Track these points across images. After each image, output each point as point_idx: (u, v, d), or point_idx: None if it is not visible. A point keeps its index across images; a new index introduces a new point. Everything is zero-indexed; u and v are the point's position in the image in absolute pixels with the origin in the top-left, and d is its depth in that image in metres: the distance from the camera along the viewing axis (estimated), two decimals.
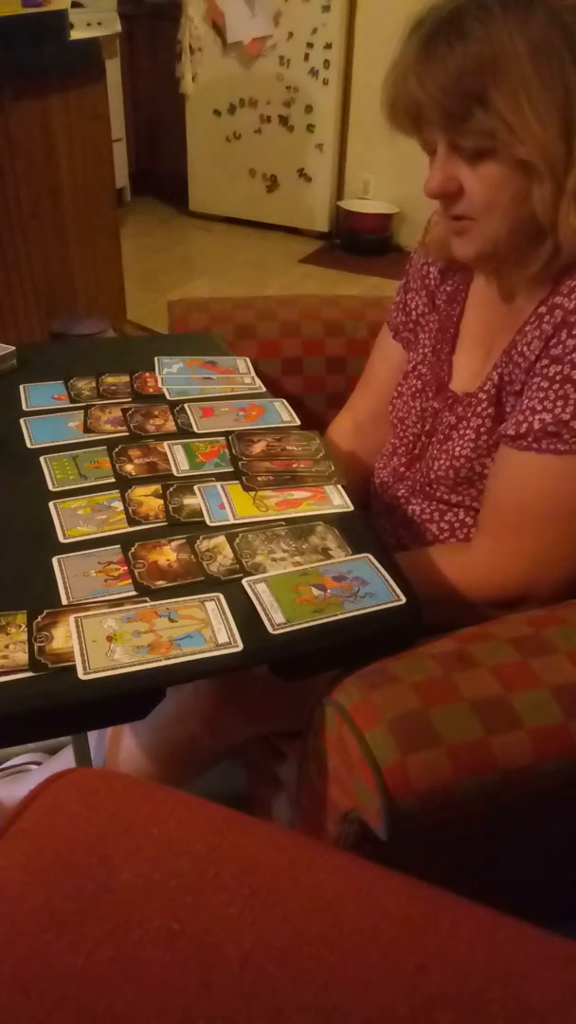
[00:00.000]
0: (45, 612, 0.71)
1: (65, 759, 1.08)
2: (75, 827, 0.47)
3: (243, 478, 0.88)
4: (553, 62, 0.73)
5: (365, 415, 1.16)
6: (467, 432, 0.91)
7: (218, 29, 3.70)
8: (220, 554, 0.78)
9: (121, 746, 0.93)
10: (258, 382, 1.12)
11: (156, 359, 1.16)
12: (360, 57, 3.59)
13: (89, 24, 3.37)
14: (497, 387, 0.88)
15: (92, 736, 0.99)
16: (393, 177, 3.68)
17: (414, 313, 1.08)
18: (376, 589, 0.73)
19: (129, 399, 1.07)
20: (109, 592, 0.73)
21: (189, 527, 0.82)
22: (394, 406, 1.07)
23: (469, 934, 0.41)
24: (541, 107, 0.74)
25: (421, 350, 1.04)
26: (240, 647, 0.67)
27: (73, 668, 0.65)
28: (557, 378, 0.79)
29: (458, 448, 0.92)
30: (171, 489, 0.87)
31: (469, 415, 0.91)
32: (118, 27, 3.66)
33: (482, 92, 0.74)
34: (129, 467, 0.92)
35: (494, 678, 0.65)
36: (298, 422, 1.00)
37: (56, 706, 0.64)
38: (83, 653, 0.66)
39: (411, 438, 1.02)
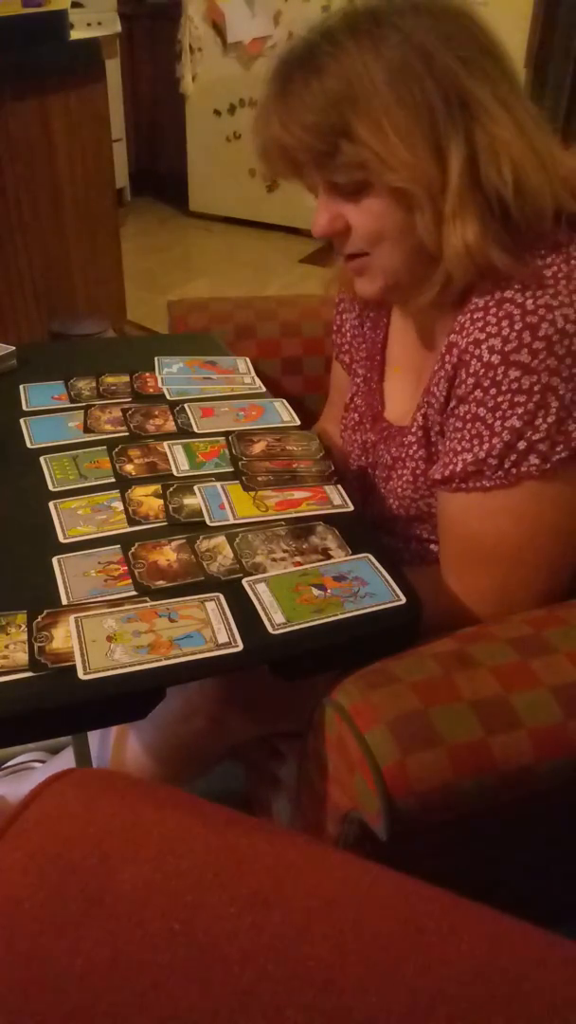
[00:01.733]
0: (45, 612, 0.71)
1: (68, 758, 1.08)
2: (75, 827, 0.47)
3: (243, 478, 0.88)
4: (413, 84, 0.72)
5: (334, 424, 1.17)
6: (404, 473, 0.91)
7: (218, 29, 3.70)
8: (220, 554, 0.78)
9: (126, 745, 0.93)
10: (258, 382, 1.12)
11: (156, 359, 1.15)
12: None
13: (89, 24, 3.37)
14: (423, 428, 0.87)
15: (93, 736, 0.99)
16: None
17: (348, 335, 1.08)
18: (376, 589, 0.73)
19: (129, 399, 1.07)
20: (109, 592, 0.73)
21: (189, 527, 0.82)
22: (343, 438, 1.07)
23: (469, 934, 0.41)
24: (405, 130, 0.72)
25: (355, 380, 1.04)
26: (240, 647, 0.67)
27: (73, 668, 0.65)
28: (468, 417, 0.78)
29: (399, 489, 0.92)
30: (171, 489, 0.87)
31: (403, 456, 0.91)
32: (118, 27, 3.66)
33: (345, 125, 0.73)
34: (129, 467, 0.92)
35: (494, 678, 0.65)
36: (298, 422, 1.00)
37: (56, 706, 0.64)
38: (83, 653, 0.66)
39: (358, 471, 1.02)
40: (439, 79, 0.72)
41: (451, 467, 0.80)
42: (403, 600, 0.72)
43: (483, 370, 0.75)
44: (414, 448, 0.89)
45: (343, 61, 0.73)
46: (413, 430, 0.89)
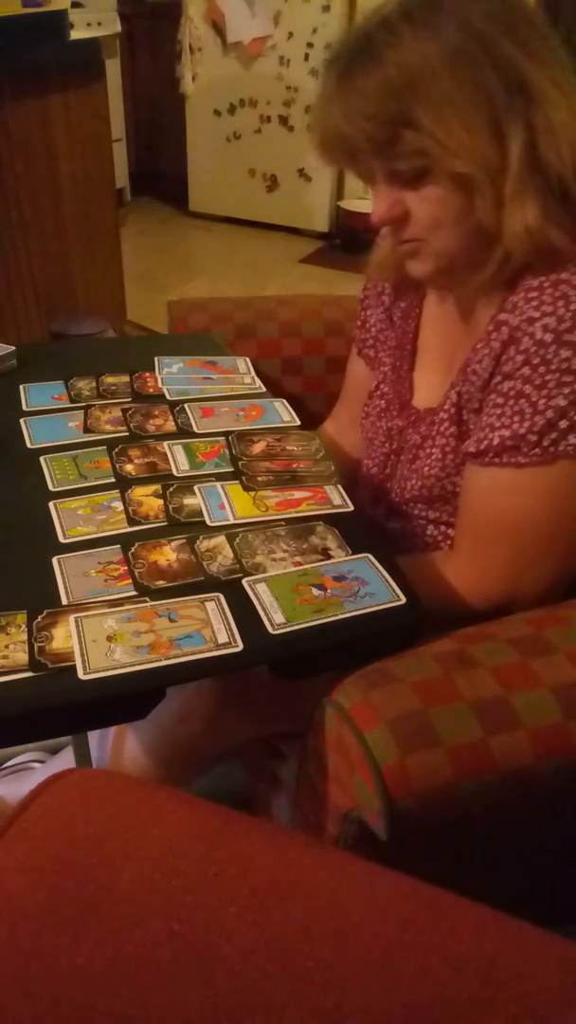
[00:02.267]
0: (45, 612, 0.71)
1: (68, 758, 1.08)
2: (75, 827, 0.47)
3: (243, 478, 0.88)
4: (472, 70, 0.72)
5: (346, 422, 1.17)
6: (433, 451, 0.91)
7: (218, 29, 3.70)
8: (220, 554, 0.78)
9: (124, 745, 0.93)
10: (258, 382, 1.12)
11: (156, 359, 1.15)
12: None
13: (89, 24, 3.37)
14: (456, 406, 0.88)
15: (92, 736, 0.99)
16: None
17: (373, 330, 1.08)
18: (376, 589, 0.73)
19: (129, 399, 1.07)
20: (109, 592, 0.73)
21: (189, 527, 0.82)
22: (363, 427, 1.07)
23: (469, 934, 0.41)
24: (467, 115, 0.73)
25: (382, 369, 1.04)
26: (240, 647, 0.67)
27: (73, 668, 0.65)
28: (511, 394, 0.78)
29: (426, 468, 0.92)
30: (171, 489, 0.87)
31: (433, 434, 0.91)
32: (118, 27, 3.66)
33: (406, 113, 0.74)
34: (129, 467, 0.92)
35: (494, 678, 0.65)
36: (298, 422, 1.00)
37: (56, 706, 0.64)
38: (83, 653, 0.66)
39: (381, 457, 1.02)
40: (498, 64, 0.73)
41: (486, 441, 0.80)
42: (403, 600, 0.72)
43: (534, 348, 0.76)
44: (445, 425, 0.89)
45: (401, 49, 0.73)
46: (445, 407, 0.89)
